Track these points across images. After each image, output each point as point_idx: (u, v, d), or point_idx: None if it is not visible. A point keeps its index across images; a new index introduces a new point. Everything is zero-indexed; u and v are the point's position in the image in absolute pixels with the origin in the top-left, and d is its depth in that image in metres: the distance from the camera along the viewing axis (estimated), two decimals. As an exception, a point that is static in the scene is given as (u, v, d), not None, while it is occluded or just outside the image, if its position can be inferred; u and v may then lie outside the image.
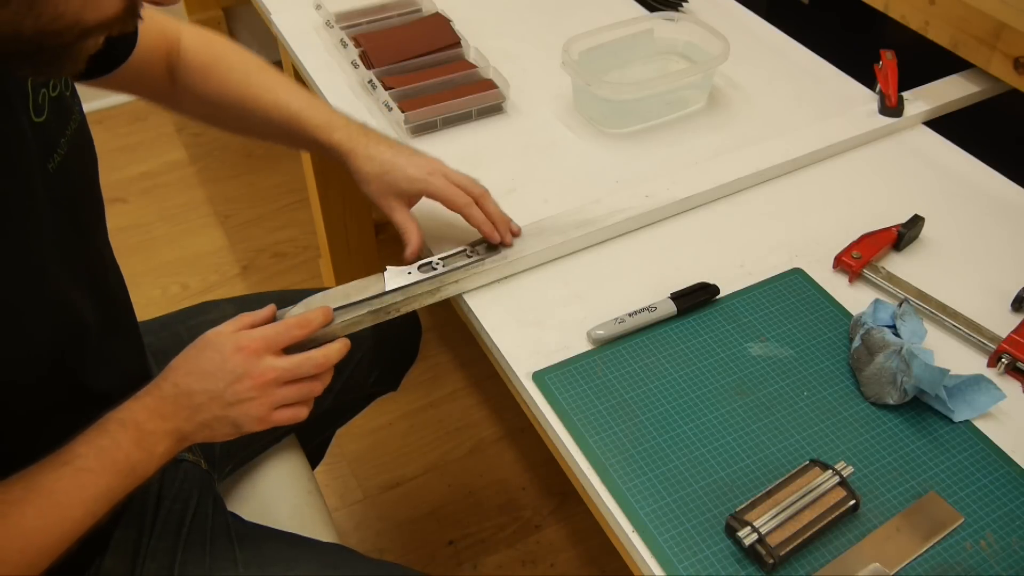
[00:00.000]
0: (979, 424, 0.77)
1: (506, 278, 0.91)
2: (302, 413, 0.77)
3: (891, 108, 1.09)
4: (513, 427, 1.73)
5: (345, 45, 1.19)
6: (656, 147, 1.08)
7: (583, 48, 1.12)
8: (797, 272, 0.91)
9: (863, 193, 1.01)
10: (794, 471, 0.72)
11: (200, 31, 0.96)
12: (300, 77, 1.30)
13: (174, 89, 0.95)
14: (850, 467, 0.72)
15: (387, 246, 1.89)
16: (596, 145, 1.09)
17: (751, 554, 0.67)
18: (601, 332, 0.84)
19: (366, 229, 1.76)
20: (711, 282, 0.88)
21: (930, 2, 1.10)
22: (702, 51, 1.16)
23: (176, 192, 2.25)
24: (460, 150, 1.08)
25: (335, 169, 1.38)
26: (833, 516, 0.69)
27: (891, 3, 1.16)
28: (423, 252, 0.89)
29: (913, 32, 1.14)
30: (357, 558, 0.91)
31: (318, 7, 1.27)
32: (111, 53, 0.86)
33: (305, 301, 0.81)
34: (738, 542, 0.68)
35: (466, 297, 0.88)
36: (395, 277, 0.85)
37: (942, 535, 0.69)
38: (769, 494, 0.70)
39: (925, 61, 1.13)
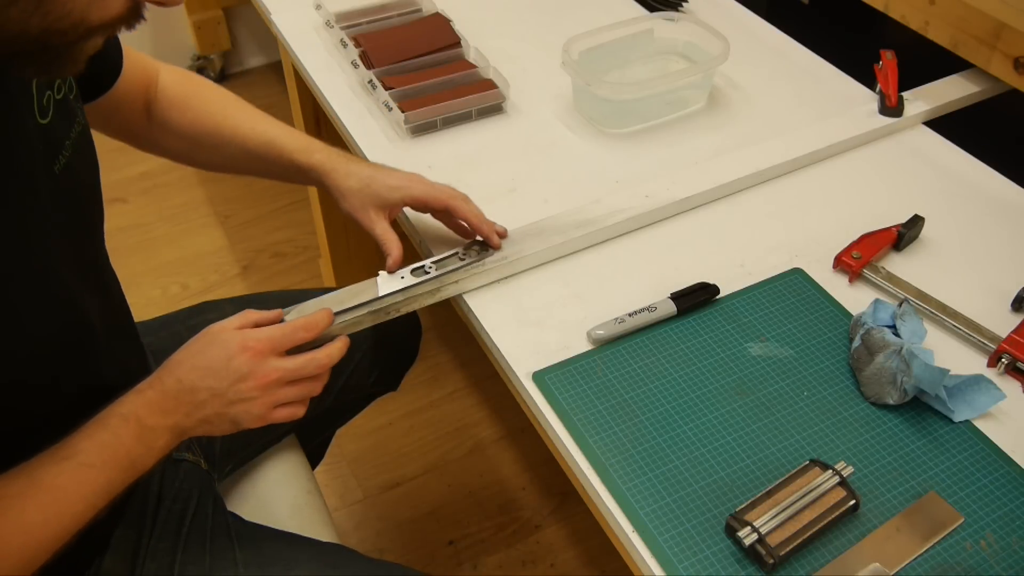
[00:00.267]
0: (979, 424, 0.77)
1: (506, 278, 0.91)
2: (300, 412, 0.77)
3: (891, 108, 1.09)
4: (513, 427, 1.73)
5: (345, 45, 1.19)
6: (656, 147, 1.08)
7: (583, 48, 1.12)
8: (797, 272, 0.91)
9: (863, 193, 1.01)
10: (794, 471, 0.72)
11: (177, 69, 0.98)
12: (300, 77, 1.31)
13: (150, 125, 0.96)
14: (850, 467, 0.72)
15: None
16: (596, 145, 1.09)
17: (751, 554, 0.67)
18: (601, 332, 0.84)
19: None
20: (711, 282, 0.88)
21: (930, 2, 1.10)
22: (702, 51, 1.16)
23: (176, 192, 2.25)
24: (460, 150, 1.08)
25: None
26: (833, 516, 0.69)
27: (891, 3, 1.16)
28: (422, 255, 0.90)
29: (913, 32, 1.14)
30: (357, 558, 0.91)
31: (318, 7, 1.27)
32: (95, 80, 0.86)
33: (299, 307, 0.81)
34: (738, 542, 0.68)
35: (466, 297, 0.88)
36: (388, 282, 0.85)
37: (942, 535, 0.69)
38: (769, 494, 0.70)
39: (925, 61, 1.13)
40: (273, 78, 2.63)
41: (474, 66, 1.16)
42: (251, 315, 0.77)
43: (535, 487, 1.64)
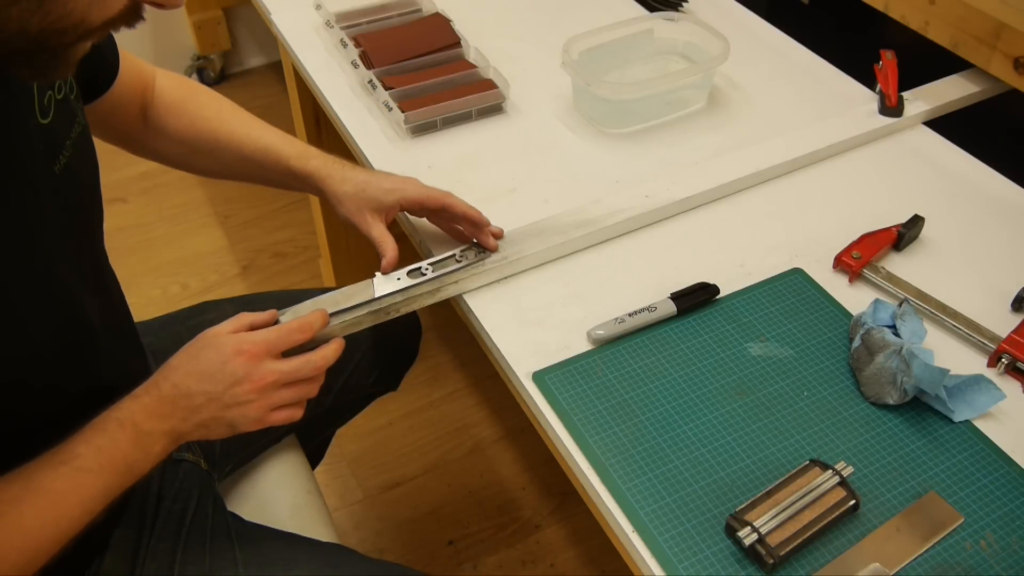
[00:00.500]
0: (979, 424, 0.77)
1: (506, 278, 0.91)
2: (297, 414, 0.77)
3: (891, 108, 1.09)
4: (513, 427, 1.73)
5: (345, 45, 1.19)
6: (656, 147, 1.08)
7: (583, 48, 1.12)
8: (797, 272, 0.91)
9: (863, 193, 1.01)
10: (794, 471, 0.72)
11: (174, 75, 0.98)
12: (300, 77, 1.31)
13: (145, 129, 0.96)
14: (850, 467, 0.72)
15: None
16: (596, 145, 1.09)
17: (751, 554, 0.67)
18: (601, 332, 0.84)
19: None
20: (711, 282, 0.88)
21: (930, 2, 1.10)
22: (702, 51, 1.16)
23: (176, 192, 2.25)
24: (460, 150, 1.08)
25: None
26: (833, 516, 0.69)
27: (891, 3, 1.16)
28: (422, 256, 0.90)
29: (913, 32, 1.14)
30: (357, 558, 0.91)
31: (318, 7, 1.27)
32: (92, 83, 0.86)
33: (294, 308, 0.81)
34: (738, 542, 0.68)
35: (466, 297, 0.88)
36: (384, 283, 0.85)
37: (942, 535, 0.69)
38: (769, 494, 0.70)
39: (925, 61, 1.13)
40: (273, 78, 2.63)
41: (474, 66, 1.16)
42: (245, 318, 0.77)
43: (535, 487, 1.64)
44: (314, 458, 1.24)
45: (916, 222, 0.94)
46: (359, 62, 1.15)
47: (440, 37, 1.20)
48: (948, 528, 0.70)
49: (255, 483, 1.04)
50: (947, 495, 0.72)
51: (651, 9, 1.31)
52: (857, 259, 0.90)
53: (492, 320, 0.86)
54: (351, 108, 1.14)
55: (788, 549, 0.67)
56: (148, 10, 0.59)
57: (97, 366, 0.78)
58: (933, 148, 1.08)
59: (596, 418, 0.77)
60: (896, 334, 0.80)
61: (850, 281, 0.90)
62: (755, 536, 0.67)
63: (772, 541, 0.67)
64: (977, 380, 0.78)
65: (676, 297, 0.87)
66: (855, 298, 0.88)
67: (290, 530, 0.96)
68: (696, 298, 0.87)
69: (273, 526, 0.95)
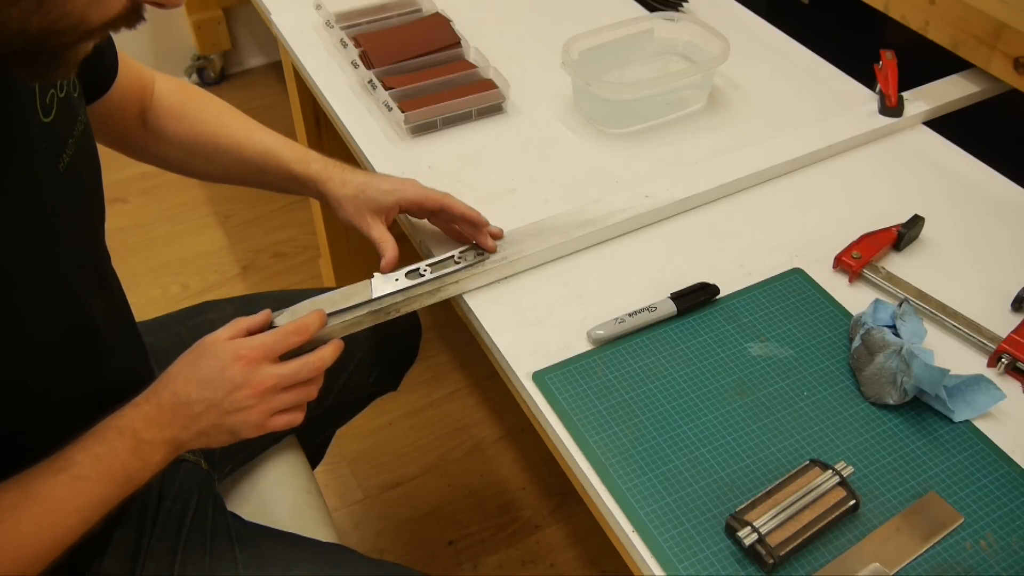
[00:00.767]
0: (979, 424, 0.77)
1: (506, 278, 0.91)
2: (298, 418, 0.77)
3: (891, 108, 1.09)
4: (513, 427, 1.73)
5: (345, 45, 1.19)
6: (656, 147, 1.08)
7: (583, 48, 1.12)
8: (797, 272, 0.91)
9: (863, 193, 1.01)
10: (794, 471, 0.72)
11: (173, 79, 0.98)
12: (300, 77, 1.31)
13: (145, 133, 0.96)
14: (850, 467, 0.72)
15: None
16: (596, 145, 1.09)
17: (751, 554, 0.67)
18: (601, 332, 0.84)
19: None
20: (711, 282, 0.88)
21: (930, 2, 1.10)
22: (702, 51, 1.16)
23: (176, 192, 2.25)
24: (460, 150, 1.08)
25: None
26: (833, 516, 0.69)
27: (891, 3, 1.16)
28: (422, 256, 0.90)
29: (913, 32, 1.14)
30: (357, 558, 0.91)
31: (318, 7, 1.27)
32: (91, 84, 0.86)
33: (292, 309, 0.81)
34: (738, 542, 0.68)
35: (466, 297, 0.88)
36: (382, 284, 0.85)
37: (942, 535, 0.69)
38: (769, 494, 0.70)
39: (925, 61, 1.13)
40: (273, 78, 2.63)
41: (474, 66, 1.16)
42: (241, 323, 0.77)
43: (535, 487, 1.64)
44: (314, 458, 1.24)
45: (916, 222, 0.94)
46: (359, 62, 1.15)
47: (440, 37, 1.20)
48: (948, 528, 0.70)
49: (255, 483, 1.04)
50: (947, 495, 0.72)
51: (651, 9, 1.31)
52: (857, 259, 0.90)
53: (492, 320, 0.86)
54: (351, 108, 1.14)
55: (788, 549, 0.67)
56: (148, 10, 0.59)
57: (100, 366, 0.78)
58: (933, 148, 1.08)
59: (596, 418, 0.77)
60: (896, 334, 0.80)
61: (850, 281, 0.90)
62: (755, 536, 0.67)
63: (772, 541, 0.67)
64: (977, 380, 0.78)
65: (676, 297, 0.87)
66: (855, 298, 0.88)
67: (290, 530, 0.96)
68: (696, 298, 0.87)
69: (273, 526, 0.95)
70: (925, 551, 0.69)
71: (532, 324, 0.86)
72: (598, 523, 0.76)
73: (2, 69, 0.58)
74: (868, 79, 1.16)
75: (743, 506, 0.70)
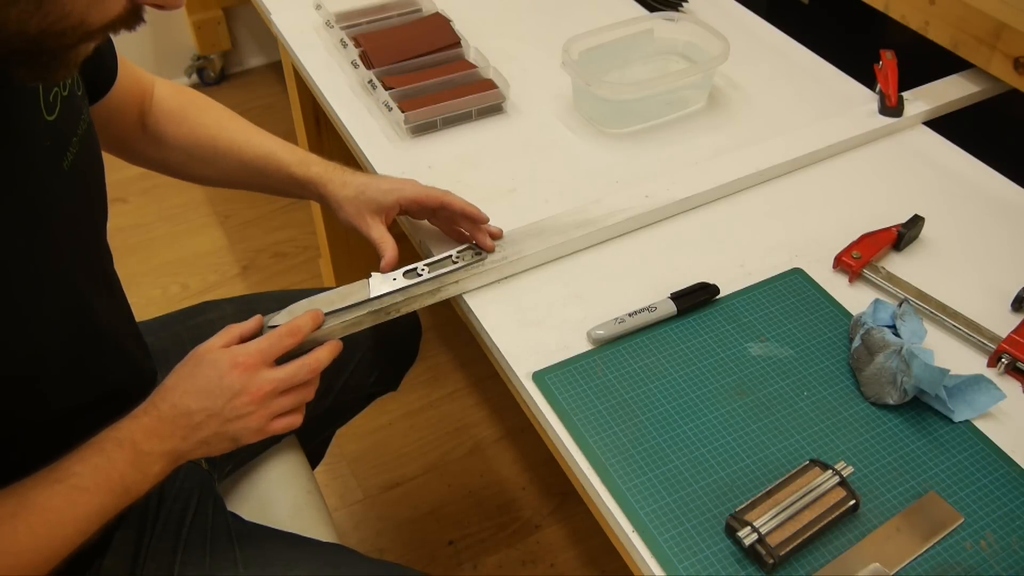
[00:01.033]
0: (979, 424, 0.77)
1: (506, 278, 0.91)
2: (297, 421, 0.77)
3: (891, 108, 1.09)
4: (513, 427, 1.73)
5: (345, 45, 1.19)
6: (656, 147, 1.08)
7: (583, 48, 1.12)
8: (797, 272, 0.91)
9: (863, 193, 1.01)
10: (794, 471, 0.72)
11: (173, 83, 0.98)
12: (300, 77, 1.31)
13: (144, 137, 0.96)
14: (850, 467, 0.72)
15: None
16: (596, 145, 1.09)
17: (751, 554, 0.67)
18: (601, 332, 0.84)
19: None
20: (711, 282, 0.88)
21: (930, 2, 1.10)
22: (702, 51, 1.16)
23: (176, 192, 2.25)
24: (460, 150, 1.08)
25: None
26: (833, 516, 0.69)
27: (891, 3, 1.16)
28: (422, 255, 0.90)
29: (913, 32, 1.14)
30: (357, 558, 0.91)
31: (318, 7, 1.27)
32: (91, 86, 0.86)
33: (288, 309, 0.81)
34: (738, 542, 0.68)
35: (466, 297, 0.88)
36: (380, 283, 0.85)
37: (942, 535, 0.69)
38: (769, 494, 0.70)
39: (925, 61, 1.13)
40: (273, 78, 2.63)
41: (474, 66, 1.16)
42: (234, 330, 0.77)
43: (535, 487, 1.64)
44: (314, 458, 1.24)
45: (916, 222, 0.94)
46: (359, 62, 1.15)
47: (440, 37, 1.20)
48: (948, 528, 0.70)
49: (255, 483, 1.04)
50: (947, 495, 0.72)
51: (651, 9, 1.31)
52: (857, 259, 0.90)
53: (492, 320, 0.86)
54: (351, 108, 1.14)
55: (788, 549, 0.67)
56: (148, 10, 0.59)
57: (104, 366, 0.78)
58: (933, 148, 1.08)
59: (596, 418, 0.77)
60: (896, 334, 0.80)
61: (850, 281, 0.90)
62: (755, 536, 0.67)
63: (772, 541, 0.67)
64: (977, 380, 0.78)
65: (676, 297, 0.87)
66: (855, 298, 0.88)
67: (290, 530, 0.96)
68: (696, 298, 0.87)
69: (273, 526, 0.95)
70: (925, 551, 0.69)
71: (532, 324, 0.86)
72: (598, 523, 0.76)
73: (2, 69, 0.58)
74: (868, 79, 1.16)
75: (743, 506, 0.70)
